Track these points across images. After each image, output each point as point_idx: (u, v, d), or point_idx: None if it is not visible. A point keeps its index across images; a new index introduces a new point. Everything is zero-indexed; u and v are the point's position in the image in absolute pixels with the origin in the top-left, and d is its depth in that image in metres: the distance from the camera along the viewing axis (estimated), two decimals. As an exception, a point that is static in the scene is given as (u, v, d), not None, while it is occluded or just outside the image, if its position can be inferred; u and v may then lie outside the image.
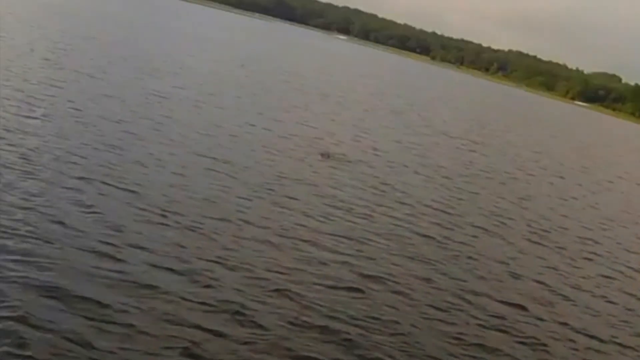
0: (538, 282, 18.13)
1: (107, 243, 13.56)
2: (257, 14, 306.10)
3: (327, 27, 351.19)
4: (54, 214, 14.34)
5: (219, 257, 14.23)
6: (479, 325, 14.18)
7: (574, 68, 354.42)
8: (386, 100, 66.06)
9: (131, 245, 13.74)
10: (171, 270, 13.06)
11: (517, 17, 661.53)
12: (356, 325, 12.59)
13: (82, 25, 63.12)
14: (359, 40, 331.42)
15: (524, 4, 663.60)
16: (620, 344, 15.20)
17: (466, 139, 48.70)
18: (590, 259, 22.31)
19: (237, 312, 11.92)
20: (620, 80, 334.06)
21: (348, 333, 12.20)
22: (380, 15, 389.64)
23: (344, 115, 44.76)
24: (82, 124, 23.06)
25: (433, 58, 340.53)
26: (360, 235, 18.19)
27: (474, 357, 12.69)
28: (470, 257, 18.78)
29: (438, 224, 21.51)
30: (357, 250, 16.91)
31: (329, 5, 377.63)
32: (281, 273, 14.23)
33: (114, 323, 10.72)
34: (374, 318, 13.14)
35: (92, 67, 36.64)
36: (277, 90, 50.06)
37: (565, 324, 15.55)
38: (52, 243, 12.90)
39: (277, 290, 13.34)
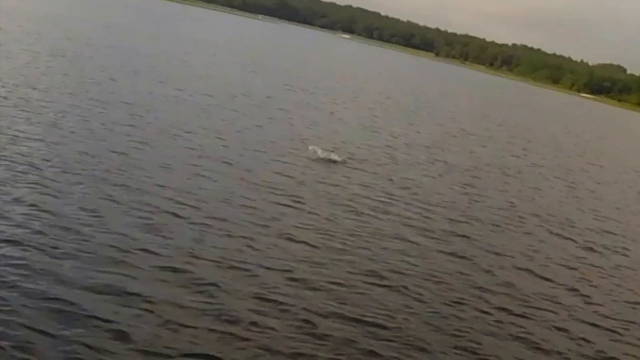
0: (568, 270, 17.99)
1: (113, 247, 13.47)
2: (260, 16, 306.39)
3: (331, 26, 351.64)
4: (58, 219, 14.29)
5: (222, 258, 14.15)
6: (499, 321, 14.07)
7: (579, 60, 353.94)
8: (395, 98, 65.79)
9: (140, 251, 13.66)
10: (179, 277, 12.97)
11: (520, 12, 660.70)
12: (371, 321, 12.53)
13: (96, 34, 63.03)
14: (363, 39, 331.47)
15: (527, 1, 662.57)
16: None
17: (476, 134, 48.57)
18: (606, 250, 22.16)
19: (251, 322, 11.79)
20: (625, 71, 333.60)
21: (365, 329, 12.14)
22: (383, 13, 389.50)
23: (351, 112, 44.55)
24: (89, 130, 23.03)
25: (437, 54, 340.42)
26: (371, 232, 18.11)
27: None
28: (489, 252, 18.81)
29: (451, 220, 21.42)
30: (367, 248, 16.83)
31: (332, 4, 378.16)
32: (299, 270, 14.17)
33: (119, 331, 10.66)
34: (401, 311, 13.21)
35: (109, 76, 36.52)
36: (285, 93, 49.83)
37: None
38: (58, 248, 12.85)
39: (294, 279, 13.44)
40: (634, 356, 14.05)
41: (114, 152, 20.91)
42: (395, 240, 18.05)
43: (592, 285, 17.99)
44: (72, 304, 11.07)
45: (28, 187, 16.01)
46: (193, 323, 11.31)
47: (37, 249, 12.70)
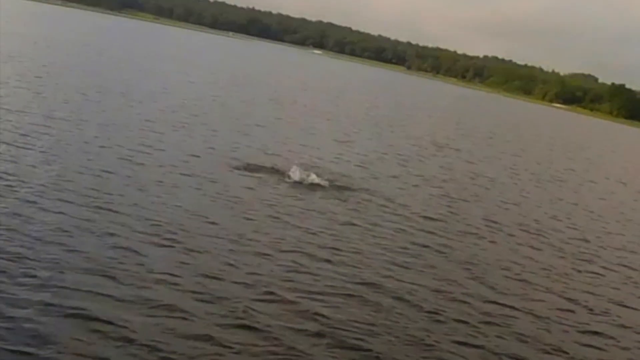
0: (541, 285, 17.87)
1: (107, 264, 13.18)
2: (231, 33, 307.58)
3: (302, 42, 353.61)
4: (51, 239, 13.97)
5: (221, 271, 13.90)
6: (481, 328, 13.83)
7: (550, 70, 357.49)
8: (368, 112, 65.80)
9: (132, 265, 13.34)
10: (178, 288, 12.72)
11: (490, 23, 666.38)
12: (364, 332, 12.34)
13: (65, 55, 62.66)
14: (335, 54, 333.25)
15: (497, 10, 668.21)
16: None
17: (449, 146, 48.63)
18: (589, 260, 22.17)
19: (223, 340, 11.58)
20: (596, 80, 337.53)
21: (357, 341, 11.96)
22: (354, 28, 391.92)
23: (325, 129, 44.40)
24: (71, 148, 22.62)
25: (409, 68, 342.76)
26: (355, 247, 17.88)
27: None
28: (471, 263, 18.73)
29: (432, 233, 21.30)
30: (355, 260, 16.62)
31: (303, 20, 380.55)
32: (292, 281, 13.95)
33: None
34: (375, 325, 13.04)
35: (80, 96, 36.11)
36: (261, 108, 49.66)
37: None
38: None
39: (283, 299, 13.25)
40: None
41: (87, 172, 20.61)
42: (371, 253, 17.87)
43: (570, 294, 17.91)
44: (38, 324, 10.86)
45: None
46: (165, 340, 11.11)
47: (3, 271, 12.44)
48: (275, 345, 11.63)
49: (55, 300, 11.69)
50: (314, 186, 23.95)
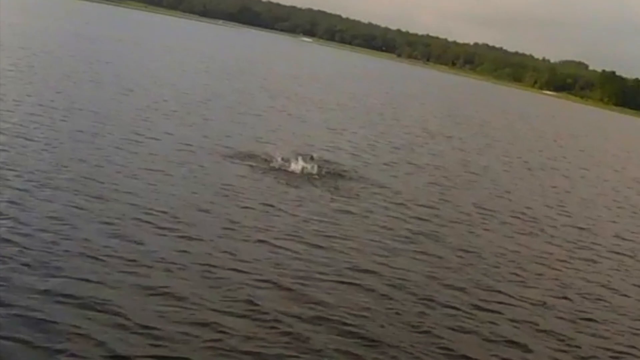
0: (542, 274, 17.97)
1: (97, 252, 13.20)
2: (220, 21, 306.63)
3: (292, 30, 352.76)
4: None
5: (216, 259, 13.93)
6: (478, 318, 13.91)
7: (541, 58, 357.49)
8: (359, 100, 65.75)
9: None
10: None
11: (481, 13, 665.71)
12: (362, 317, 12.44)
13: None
14: (325, 42, 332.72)
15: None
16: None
17: (441, 133, 48.70)
18: (583, 247, 22.26)
19: (219, 324, 11.64)
20: (587, 67, 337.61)
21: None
22: (344, 16, 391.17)
23: (316, 117, 44.43)
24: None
25: (399, 55, 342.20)
26: (338, 233, 17.91)
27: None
28: (464, 250, 18.81)
29: (425, 220, 21.40)
30: (349, 247, 16.65)
31: (293, 8, 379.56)
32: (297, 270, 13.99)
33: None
34: (370, 310, 13.16)
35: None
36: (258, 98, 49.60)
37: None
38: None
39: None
40: (611, 350, 14.03)
41: (78, 159, 20.61)
42: (363, 240, 17.93)
43: (563, 281, 18.01)
44: (37, 311, 10.88)
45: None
46: (161, 327, 11.14)
47: (1, 257, 12.48)
48: (271, 330, 11.70)
49: (51, 286, 11.72)
50: (306, 174, 23.94)
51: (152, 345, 10.57)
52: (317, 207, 20.21)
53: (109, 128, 26.16)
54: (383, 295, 14.23)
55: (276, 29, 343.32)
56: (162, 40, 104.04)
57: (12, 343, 9.94)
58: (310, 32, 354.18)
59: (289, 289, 13.56)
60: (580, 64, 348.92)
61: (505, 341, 13.16)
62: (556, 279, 17.90)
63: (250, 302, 12.56)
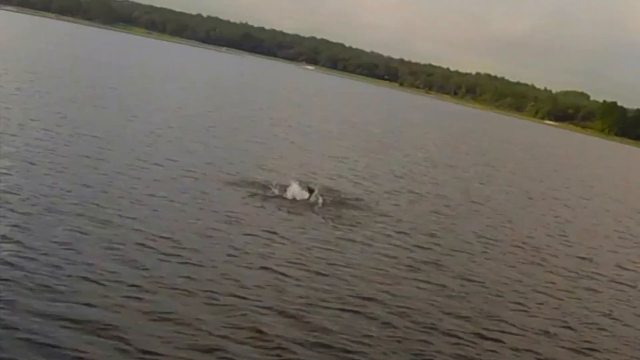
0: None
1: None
2: (224, 48, 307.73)
3: (295, 57, 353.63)
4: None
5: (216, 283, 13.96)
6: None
7: (542, 88, 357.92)
8: (362, 128, 65.91)
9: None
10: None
11: (482, 42, 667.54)
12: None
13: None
14: (327, 70, 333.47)
15: (489, 28, 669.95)
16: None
17: (443, 162, 48.72)
18: (584, 276, 22.24)
19: (222, 350, 11.73)
20: (588, 97, 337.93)
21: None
22: (347, 45, 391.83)
23: (319, 146, 44.49)
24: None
25: (401, 84, 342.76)
26: (341, 261, 17.96)
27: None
28: (465, 278, 18.84)
29: (427, 248, 21.43)
30: (337, 276, 16.69)
31: (296, 36, 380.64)
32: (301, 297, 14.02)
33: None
34: (376, 338, 13.11)
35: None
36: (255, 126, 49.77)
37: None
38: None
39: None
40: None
41: (82, 184, 20.77)
42: (366, 268, 17.97)
43: (564, 310, 18.03)
44: (41, 335, 10.95)
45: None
46: (164, 352, 11.22)
47: (6, 280, 12.58)
48: (275, 357, 11.78)
49: (54, 310, 11.80)
50: (309, 202, 24.01)
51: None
52: (319, 235, 20.27)
53: (112, 153, 26.31)
54: (386, 322, 14.27)
55: (279, 57, 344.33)
56: (166, 66, 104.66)
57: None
58: (313, 60, 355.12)
59: (293, 316, 13.61)
60: (582, 94, 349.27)
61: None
62: (558, 308, 17.93)
63: (254, 329, 12.61)
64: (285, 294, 14.78)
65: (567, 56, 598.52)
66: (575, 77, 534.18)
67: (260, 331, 12.54)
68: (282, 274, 16.11)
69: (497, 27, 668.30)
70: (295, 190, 24.56)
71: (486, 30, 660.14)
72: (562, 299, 18.83)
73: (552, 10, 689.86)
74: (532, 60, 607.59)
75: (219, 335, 12.11)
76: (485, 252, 22.74)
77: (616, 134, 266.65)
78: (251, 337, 12.27)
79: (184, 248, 16.50)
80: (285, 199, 23.97)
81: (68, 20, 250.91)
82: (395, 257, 19.50)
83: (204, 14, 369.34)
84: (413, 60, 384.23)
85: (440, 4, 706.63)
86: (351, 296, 15.42)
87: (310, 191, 24.91)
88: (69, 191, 19.61)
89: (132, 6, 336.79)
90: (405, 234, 22.72)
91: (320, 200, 24.35)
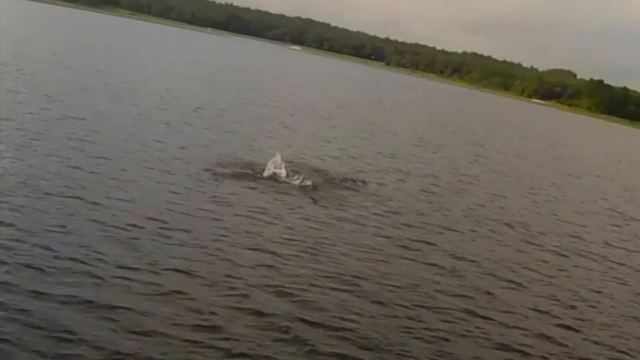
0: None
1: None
2: (209, 29, 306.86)
3: (280, 38, 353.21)
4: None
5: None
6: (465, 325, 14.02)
7: (529, 66, 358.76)
8: (349, 107, 65.91)
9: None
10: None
11: (469, 21, 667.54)
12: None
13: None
14: (313, 50, 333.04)
15: (476, 8, 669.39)
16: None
17: (431, 141, 48.85)
18: (573, 254, 22.37)
19: (218, 328, 11.80)
20: (575, 76, 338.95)
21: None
22: (332, 24, 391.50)
23: (307, 126, 44.53)
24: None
25: (388, 64, 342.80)
26: (332, 239, 18.03)
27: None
28: (454, 256, 18.92)
29: (416, 227, 21.49)
30: (328, 255, 16.73)
31: (281, 16, 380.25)
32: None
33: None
34: (368, 316, 13.20)
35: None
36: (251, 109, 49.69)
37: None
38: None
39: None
40: (604, 355, 14.17)
41: (73, 167, 20.74)
42: (357, 246, 18.04)
43: (557, 287, 18.16)
44: (34, 315, 11.01)
45: None
46: (162, 330, 11.29)
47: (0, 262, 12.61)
48: (266, 332, 11.84)
49: (46, 289, 11.88)
50: (297, 182, 24.02)
51: (150, 348, 10.68)
52: (309, 214, 20.31)
53: (101, 136, 26.22)
54: (378, 300, 14.34)
55: (265, 37, 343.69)
56: (152, 48, 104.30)
57: (10, 346, 10.07)
58: (298, 41, 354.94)
59: (286, 294, 13.69)
60: (568, 72, 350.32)
61: (499, 345, 13.30)
62: (548, 285, 18.05)
63: (249, 309, 12.68)
64: (277, 273, 14.83)
65: (554, 36, 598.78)
66: (562, 55, 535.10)
67: (255, 311, 12.59)
68: (273, 252, 16.15)
69: (484, 7, 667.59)
70: (282, 171, 24.56)
71: (473, 10, 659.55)
72: (551, 276, 18.95)
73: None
74: (520, 38, 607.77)
75: (211, 312, 12.19)
76: (474, 230, 22.82)
77: (603, 112, 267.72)
78: (246, 315, 12.35)
79: (175, 229, 16.47)
80: (273, 179, 23.97)
81: (52, 3, 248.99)
82: (385, 236, 19.57)
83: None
84: (400, 40, 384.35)
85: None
86: (343, 274, 15.48)
87: (297, 171, 24.91)
88: (59, 174, 19.54)
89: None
90: (395, 212, 22.78)
91: (308, 180, 24.37)
